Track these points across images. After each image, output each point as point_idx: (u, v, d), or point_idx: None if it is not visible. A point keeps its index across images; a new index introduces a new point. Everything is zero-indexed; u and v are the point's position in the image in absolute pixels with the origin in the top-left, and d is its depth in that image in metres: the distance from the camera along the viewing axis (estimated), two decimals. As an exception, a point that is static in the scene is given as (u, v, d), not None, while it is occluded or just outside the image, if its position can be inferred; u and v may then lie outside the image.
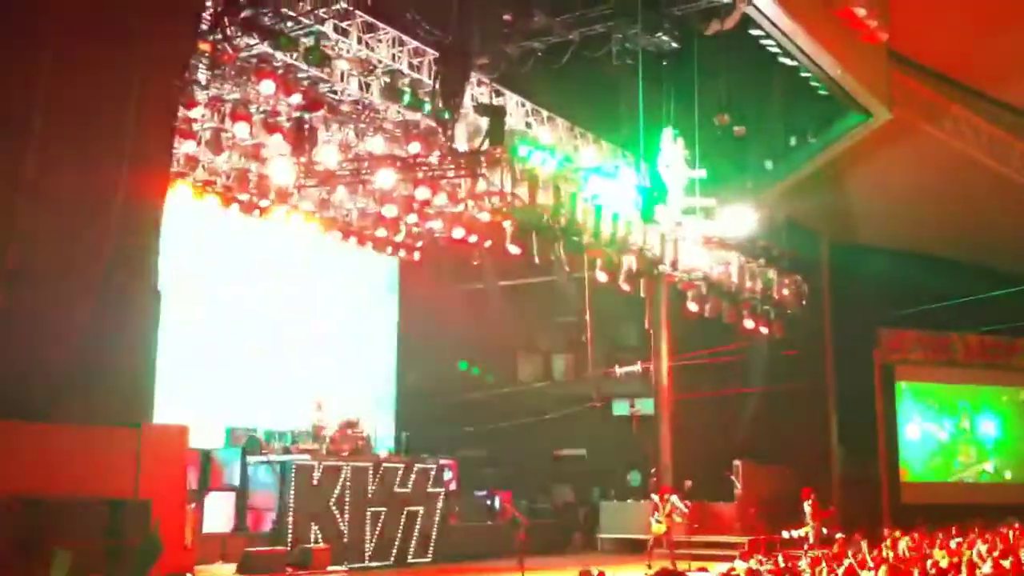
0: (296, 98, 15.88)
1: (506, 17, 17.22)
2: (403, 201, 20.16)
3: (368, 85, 16.59)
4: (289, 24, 14.72)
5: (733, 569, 13.11)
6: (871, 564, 13.05)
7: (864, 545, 16.69)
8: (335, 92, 16.71)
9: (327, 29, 15.26)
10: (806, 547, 19.36)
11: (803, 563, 14.15)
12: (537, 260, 19.39)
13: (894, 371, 29.04)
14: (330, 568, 16.47)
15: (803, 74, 20.66)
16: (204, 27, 14.02)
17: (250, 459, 18.52)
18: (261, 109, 17.00)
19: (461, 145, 17.56)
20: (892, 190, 25.38)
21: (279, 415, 20.54)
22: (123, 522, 11.53)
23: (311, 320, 23.33)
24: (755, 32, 19.09)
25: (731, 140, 21.71)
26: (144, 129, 12.55)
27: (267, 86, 15.49)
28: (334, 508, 17.96)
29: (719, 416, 24.53)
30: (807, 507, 20.11)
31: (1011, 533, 18.64)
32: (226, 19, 14.03)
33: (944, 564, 12.34)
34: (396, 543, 18.94)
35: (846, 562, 13.38)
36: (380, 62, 16.19)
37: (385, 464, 19.12)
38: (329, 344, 23.61)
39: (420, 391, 24.87)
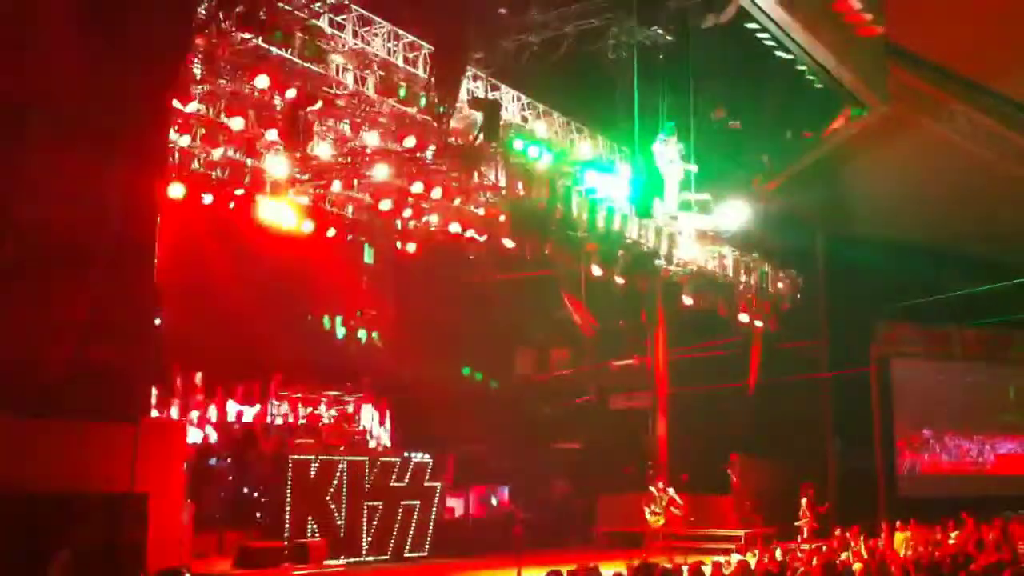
0: (291, 92, 15.85)
1: (502, 11, 17.20)
2: (398, 195, 20.17)
3: (363, 79, 16.57)
4: (284, 18, 14.70)
5: (729, 562, 13.15)
6: (865, 556, 13.10)
7: (860, 539, 16.74)
8: (330, 86, 16.68)
9: (322, 23, 15.25)
10: (800, 540, 19.44)
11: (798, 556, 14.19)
12: (532, 254, 19.42)
13: (891, 364, 29.04)
14: (327, 562, 16.51)
15: (799, 67, 20.65)
16: (199, 21, 13.99)
17: (246, 453, 18.57)
18: (256, 103, 16.97)
19: (457, 139, 17.53)
20: (889, 183, 25.38)
21: (276, 409, 20.55)
22: (121, 517, 11.58)
23: (309, 314, 23.36)
24: (751, 26, 19.10)
25: (727, 134, 21.71)
26: (140, 124, 12.56)
27: (262, 80, 15.46)
28: (331, 502, 17.96)
29: (715, 410, 24.56)
30: (804, 502, 20.19)
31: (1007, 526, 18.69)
32: (221, 13, 14.00)
33: (939, 556, 12.37)
34: (393, 537, 18.96)
35: (841, 555, 13.43)
36: (375, 56, 16.17)
37: (381, 458, 19.14)
38: (327, 338, 23.64)
39: (417, 385, 24.87)
